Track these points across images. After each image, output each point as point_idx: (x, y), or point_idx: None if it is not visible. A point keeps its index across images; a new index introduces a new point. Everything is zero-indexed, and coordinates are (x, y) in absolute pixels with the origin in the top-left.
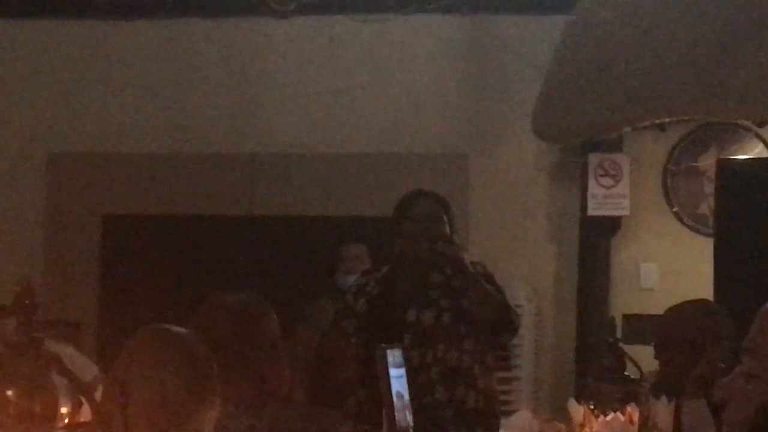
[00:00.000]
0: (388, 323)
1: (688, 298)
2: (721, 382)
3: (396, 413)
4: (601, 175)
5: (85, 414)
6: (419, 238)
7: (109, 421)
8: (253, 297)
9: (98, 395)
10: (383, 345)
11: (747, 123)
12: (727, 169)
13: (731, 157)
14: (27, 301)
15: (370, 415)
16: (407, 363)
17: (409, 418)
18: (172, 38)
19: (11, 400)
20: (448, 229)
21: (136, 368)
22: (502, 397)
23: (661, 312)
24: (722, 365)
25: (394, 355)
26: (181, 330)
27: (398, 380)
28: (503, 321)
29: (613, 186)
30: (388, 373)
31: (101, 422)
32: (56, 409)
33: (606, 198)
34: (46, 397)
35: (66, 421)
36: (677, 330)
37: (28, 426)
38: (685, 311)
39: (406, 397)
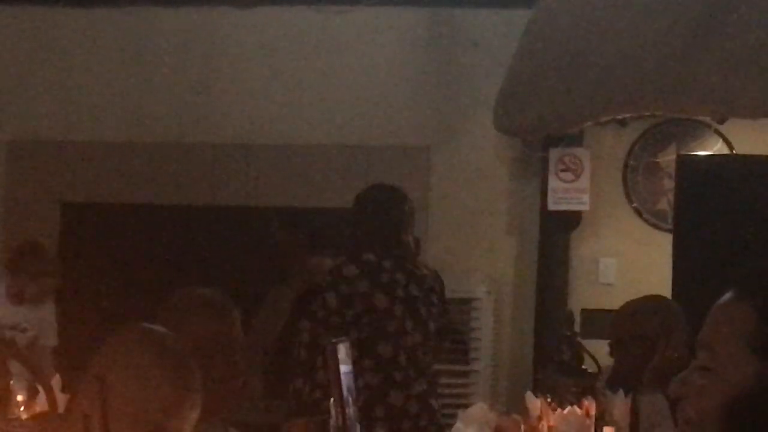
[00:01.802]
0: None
1: (647, 294)
2: (676, 377)
3: (345, 408)
4: (562, 170)
5: (42, 403)
6: (374, 232)
7: (87, 418)
8: (217, 294)
9: (55, 384)
10: (333, 340)
11: (707, 119)
12: (687, 165)
13: (691, 153)
14: None
15: (305, 406)
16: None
17: (354, 414)
18: (133, 26)
19: None
20: (398, 221)
21: (117, 366)
22: (460, 391)
23: (618, 307)
24: (677, 359)
25: (344, 349)
26: (163, 330)
27: (346, 375)
28: (446, 325)
29: (573, 181)
30: (338, 368)
31: (77, 418)
32: (10, 394)
33: (566, 193)
34: (1, 383)
35: (22, 409)
36: (631, 325)
37: None
38: (639, 307)
39: (354, 392)
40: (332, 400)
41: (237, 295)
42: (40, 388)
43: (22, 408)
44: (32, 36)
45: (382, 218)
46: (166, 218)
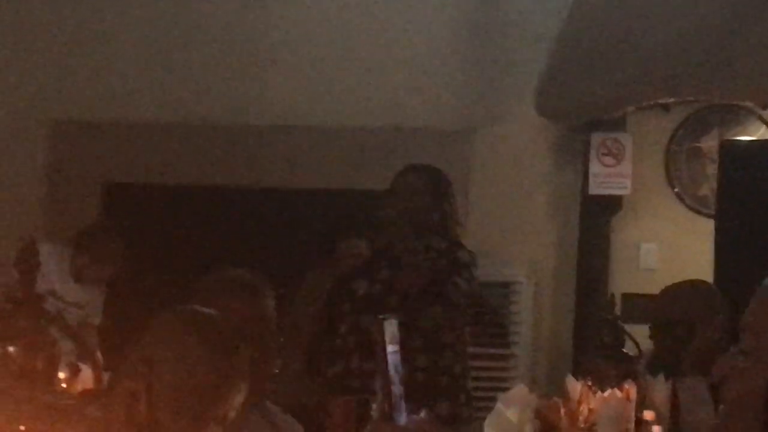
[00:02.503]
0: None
1: (687, 279)
2: (719, 360)
3: (391, 386)
4: (604, 155)
5: (83, 381)
6: (392, 214)
7: (131, 398)
8: (250, 275)
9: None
10: (381, 317)
11: (750, 105)
12: (730, 151)
13: (734, 138)
14: (30, 257)
15: (344, 388)
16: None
17: (402, 392)
18: (176, 7)
19: (12, 357)
20: (430, 201)
21: (164, 348)
22: (500, 374)
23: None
24: (717, 343)
25: (391, 328)
26: (210, 311)
27: (393, 354)
28: (434, 293)
29: (614, 165)
30: (384, 346)
31: (122, 397)
32: (57, 366)
33: (607, 177)
34: (47, 355)
35: (64, 386)
36: (672, 310)
37: (29, 383)
38: (679, 291)
39: (401, 371)
40: (378, 378)
41: (276, 277)
42: (82, 366)
43: (63, 385)
44: (75, 17)
45: (416, 198)
46: (208, 199)
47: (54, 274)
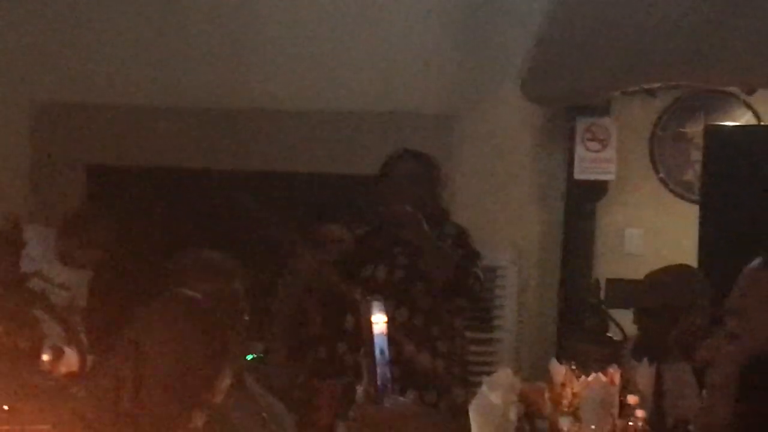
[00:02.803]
0: (352, 281)
1: (672, 264)
2: (704, 343)
3: (378, 368)
4: (589, 140)
5: (67, 363)
6: (389, 198)
7: (118, 380)
8: (220, 256)
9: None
10: (368, 299)
11: (736, 90)
12: (715, 136)
13: (719, 123)
14: (14, 237)
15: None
16: (354, 316)
17: (389, 374)
18: None
19: None
20: (426, 190)
21: (153, 332)
22: (484, 359)
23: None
24: (701, 328)
25: (378, 310)
26: (198, 296)
27: (380, 336)
28: (458, 284)
29: (600, 150)
30: (371, 328)
31: (109, 379)
32: (41, 347)
33: (592, 162)
34: (31, 334)
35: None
36: (656, 294)
37: (11, 362)
38: (664, 276)
39: (387, 353)
40: (364, 360)
41: (259, 261)
42: (65, 349)
43: (46, 369)
44: None
45: (417, 185)
46: (192, 182)
47: (40, 255)
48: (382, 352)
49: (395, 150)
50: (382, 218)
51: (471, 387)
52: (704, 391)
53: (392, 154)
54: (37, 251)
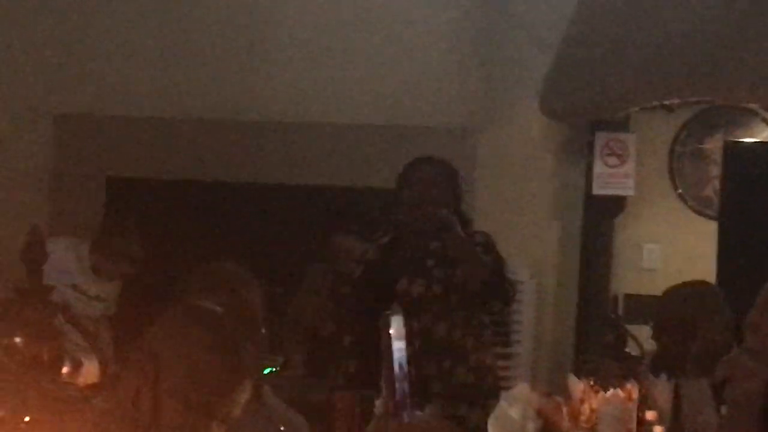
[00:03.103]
0: (380, 292)
1: (690, 280)
2: (723, 359)
3: (396, 382)
4: (607, 155)
5: (86, 374)
6: (415, 205)
7: (137, 392)
8: (237, 268)
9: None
10: (387, 312)
11: (755, 107)
12: (734, 152)
13: (738, 140)
14: (36, 249)
15: (361, 387)
16: None
17: (407, 389)
18: (179, 3)
19: (18, 347)
20: (449, 196)
21: (170, 344)
22: (501, 373)
23: (662, 293)
24: (720, 344)
25: (397, 324)
26: (217, 309)
27: (399, 350)
28: (494, 289)
29: (618, 165)
30: (390, 341)
31: (127, 392)
32: (63, 357)
33: (611, 177)
34: (52, 345)
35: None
36: (675, 310)
37: (34, 373)
38: (682, 292)
39: (406, 368)
40: (383, 374)
41: (275, 273)
42: (84, 360)
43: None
44: (78, 11)
45: (420, 191)
46: (209, 195)
47: (74, 268)
48: (401, 366)
49: (410, 160)
50: (411, 225)
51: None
52: (723, 408)
53: (409, 162)
54: (72, 264)
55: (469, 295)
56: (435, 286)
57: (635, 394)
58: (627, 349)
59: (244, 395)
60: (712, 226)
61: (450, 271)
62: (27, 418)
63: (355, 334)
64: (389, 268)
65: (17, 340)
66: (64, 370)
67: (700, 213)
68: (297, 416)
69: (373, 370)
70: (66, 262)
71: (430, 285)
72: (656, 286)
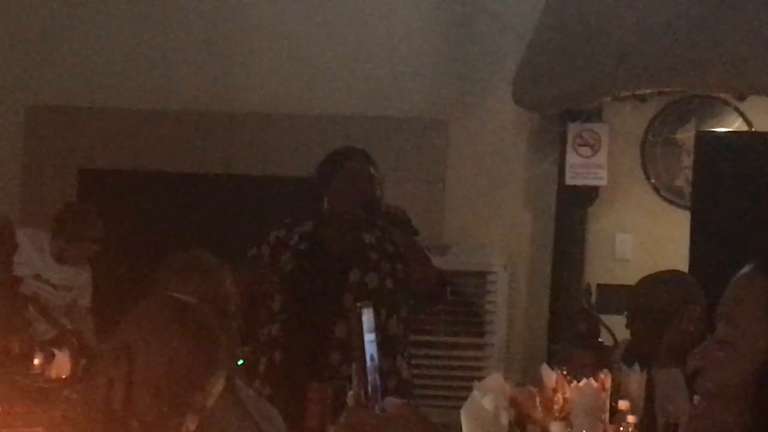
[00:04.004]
0: (321, 282)
1: (664, 269)
2: (695, 350)
3: (368, 374)
4: (580, 145)
5: (58, 366)
6: (357, 197)
7: (109, 384)
8: (209, 256)
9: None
10: (359, 304)
11: (727, 96)
12: (706, 142)
13: (710, 130)
14: (6, 239)
15: (281, 379)
16: (346, 324)
17: (378, 380)
18: None
19: None
20: (378, 187)
21: (144, 335)
22: (474, 363)
23: (634, 283)
24: (693, 333)
25: (368, 316)
26: (191, 300)
27: (370, 342)
28: (438, 291)
29: (591, 156)
30: (362, 334)
31: (99, 383)
32: (34, 349)
33: (583, 168)
34: (23, 337)
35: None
36: (648, 299)
37: (4, 364)
38: (656, 281)
39: (377, 360)
40: (354, 365)
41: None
42: (57, 352)
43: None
44: (51, 3)
45: (356, 183)
46: (182, 186)
47: (36, 258)
48: (372, 358)
49: (338, 148)
50: (343, 216)
51: (459, 394)
52: (695, 398)
53: (335, 151)
54: (34, 255)
55: (415, 295)
56: (387, 280)
57: (608, 384)
58: (600, 339)
59: (218, 386)
60: (685, 216)
61: (397, 267)
62: None
63: (285, 322)
64: (326, 258)
65: None
66: (36, 361)
67: (672, 203)
68: (270, 407)
69: (337, 367)
70: (26, 253)
71: (383, 279)
72: (629, 275)
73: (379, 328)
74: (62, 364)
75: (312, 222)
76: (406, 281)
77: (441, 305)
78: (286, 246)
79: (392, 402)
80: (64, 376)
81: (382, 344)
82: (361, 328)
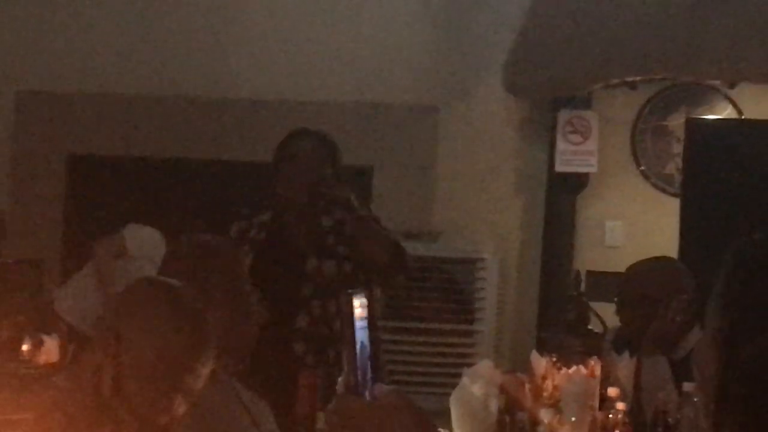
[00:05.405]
0: (279, 272)
1: (655, 256)
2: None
3: (357, 361)
4: (570, 132)
5: (46, 352)
6: (299, 180)
7: (98, 370)
8: (220, 239)
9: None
10: (349, 291)
11: (717, 84)
12: (696, 129)
13: (700, 117)
14: None
15: (248, 372)
16: (308, 314)
17: (369, 367)
18: None
19: None
20: (330, 170)
21: (131, 320)
22: (464, 350)
23: (624, 270)
24: (679, 323)
25: (360, 303)
26: (176, 282)
27: (361, 331)
28: (396, 261)
29: (581, 143)
30: (352, 320)
31: (88, 369)
32: (22, 336)
33: (574, 155)
34: (11, 323)
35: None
36: (638, 286)
37: None
38: (646, 268)
39: (368, 347)
40: (343, 353)
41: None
42: (45, 338)
43: (27, 358)
44: None
45: (303, 165)
46: (172, 172)
47: None
48: (363, 345)
49: (292, 130)
50: (298, 200)
51: (448, 381)
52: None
53: (288, 134)
54: None
55: (374, 271)
56: (345, 264)
57: (598, 371)
58: (590, 326)
59: (207, 368)
60: (675, 203)
61: (352, 249)
62: None
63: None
64: (284, 248)
65: None
66: (24, 347)
67: (662, 190)
68: (257, 397)
69: (301, 358)
70: None
71: (340, 264)
72: (619, 263)
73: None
74: (51, 350)
75: (270, 211)
76: (365, 262)
77: (403, 279)
78: (245, 238)
79: (382, 389)
80: (52, 362)
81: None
82: (352, 315)
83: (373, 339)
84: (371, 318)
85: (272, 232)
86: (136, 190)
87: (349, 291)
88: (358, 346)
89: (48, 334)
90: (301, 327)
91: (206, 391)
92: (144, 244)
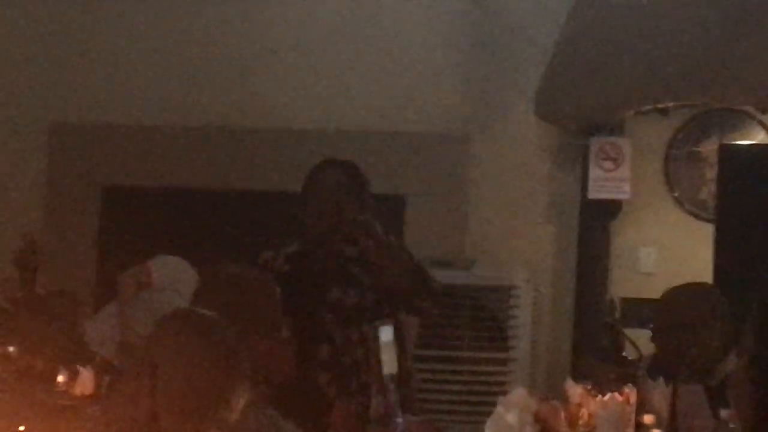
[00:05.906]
0: (303, 303)
1: (690, 282)
2: (732, 377)
3: (387, 391)
4: (602, 159)
5: (82, 384)
6: (323, 210)
7: (134, 402)
8: (253, 270)
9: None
10: (377, 323)
11: (750, 109)
12: (729, 155)
13: (733, 142)
14: (29, 256)
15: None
16: (330, 344)
17: (397, 396)
18: (172, 11)
19: (12, 357)
20: (356, 200)
21: (167, 351)
22: (498, 378)
23: (659, 296)
24: (716, 349)
25: (386, 334)
26: (211, 314)
27: (389, 360)
28: (420, 285)
29: (613, 170)
30: (379, 352)
31: (124, 401)
32: (57, 367)
33: (606, 181)
34: (47, 355)
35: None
36: (673, 313)
37: (29, 383)
38: (682, 294)
39: (396, 376)
40: (373, 383)
41: None
42: (80, 370)
43: (62, 389)
44: (74, 20)
45: (328, 195)
46: (206, 203)
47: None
48: (391, 375)
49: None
50: (323, 231)
51: (483, 409)
52: (723, 411)
53: (314, 165)
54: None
55: (399, 298)
56: (368, 294)
57: (633, 398)
58: (624, 353)
59: (241, 400)
60: (709, 229)
61: (376, 276)
62: (22, 428)
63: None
64: (307, 278)
65: (11, 349)
66: (60, 379)
67: (696, 216)
68: (293, 427)
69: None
70: None
71: (363, 294)
72: (653, 289)
73: (364, 343)
74: (86, 381)
75: (298, 241)
76: (389, 289)
77: (429, 305)
78: (271, 269)
79: (412, 420)
80: (88, 394)
81: (366, 358)
82: (378, 346)
83: (406, 369)
84: (402, 348)
85: (298, 263)
86: (170, 221)
87: (376, 322)
88: (386, 376)
89: (83, 365)
90: (323, 359)
91: (243, 420)
92: (171, 275)
